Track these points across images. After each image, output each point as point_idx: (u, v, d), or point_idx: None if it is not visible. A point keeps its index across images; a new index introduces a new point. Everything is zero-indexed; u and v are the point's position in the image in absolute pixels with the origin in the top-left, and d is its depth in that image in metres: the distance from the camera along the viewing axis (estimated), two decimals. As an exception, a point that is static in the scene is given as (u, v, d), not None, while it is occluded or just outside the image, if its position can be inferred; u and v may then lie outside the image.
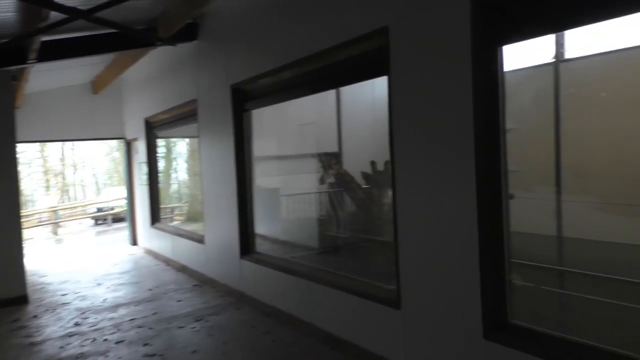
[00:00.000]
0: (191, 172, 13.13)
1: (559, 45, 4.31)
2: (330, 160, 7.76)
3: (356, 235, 7.19)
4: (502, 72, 2.63)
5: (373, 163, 5.64)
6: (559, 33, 4.00)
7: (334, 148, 8.87)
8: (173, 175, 15.38)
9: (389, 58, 3.17)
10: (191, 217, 11.44)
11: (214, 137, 5.72)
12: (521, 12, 2.47)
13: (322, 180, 8.47)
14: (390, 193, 5.65)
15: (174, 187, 15.51)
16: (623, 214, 4.81)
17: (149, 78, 7.83)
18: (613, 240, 4.89)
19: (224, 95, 5.34)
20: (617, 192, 4.97)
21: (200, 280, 6.19)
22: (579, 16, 2.30)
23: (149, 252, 8.51)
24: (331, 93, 7.87)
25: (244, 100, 5.22)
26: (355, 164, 7.43)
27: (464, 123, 2.67)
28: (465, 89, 2.66)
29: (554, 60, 4.32)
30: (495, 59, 2.62)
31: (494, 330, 2.65)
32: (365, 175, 5.65)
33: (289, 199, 8.64)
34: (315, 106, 7.76)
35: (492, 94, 2.62)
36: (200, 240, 6.29)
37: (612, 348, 2.28)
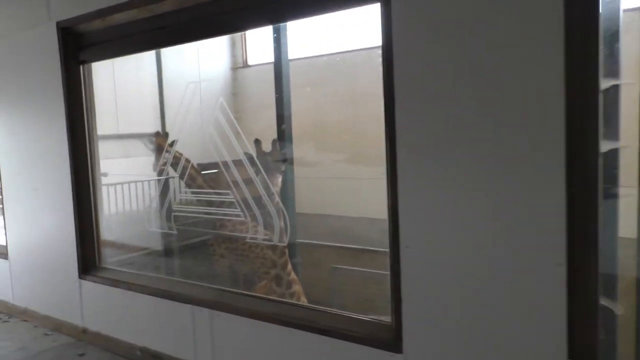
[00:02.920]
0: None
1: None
2: (164, 142, 6.22)
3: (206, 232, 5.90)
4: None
5: (257, 142, 4.38)
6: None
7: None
8: None
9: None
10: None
11: (24, 103, 3.77)
12: None
13: (156, 167, 6.84)
14: (279, 180, 4.44)
15: None
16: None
17: None
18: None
19: (45, 38, 3.45)
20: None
21: (4, 312, 4.15)
22: None
23: None
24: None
25: (79, 47, 3.46)
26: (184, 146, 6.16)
27: (548, 80, 1.72)
28: (554, 27, 1.70)
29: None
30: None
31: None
32: (248, 158, 4.34)
33: (113, 189, 6.83)
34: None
35: (591, 37, 1.72)
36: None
37: None
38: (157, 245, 6.52)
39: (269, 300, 2.78)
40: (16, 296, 4.05)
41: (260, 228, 5.50)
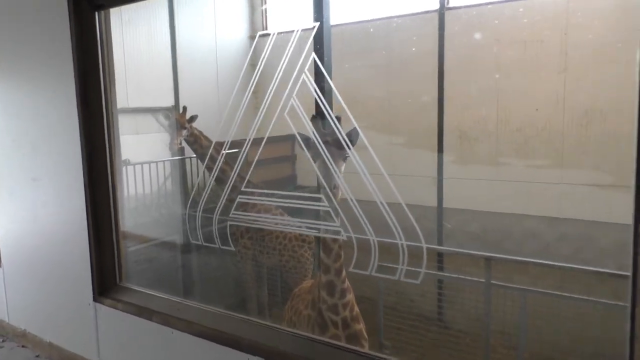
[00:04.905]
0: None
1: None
2: (182, 117, 5.27)
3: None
4: None
5: (315, 119, 3.38)
6: None
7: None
8: None
9: None
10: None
11: (19, 63, 2.80)
12: None
13: (172, 146, 5.90)
14: (342, 168, 3.45)
15: None
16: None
17: None
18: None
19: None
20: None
21: (-4, 332, 3.24)
22: None
23: None
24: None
25: (94, -12, 2.48)
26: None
27: None
28: None
29: None
30: None
31: None
32: (303, 139, 3.33)
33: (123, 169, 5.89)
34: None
35: None
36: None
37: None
38: (175, 233, 5.65)
39: (376, 357, 1.87)
40: (12, 315, 3.13)
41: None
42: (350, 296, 3.95)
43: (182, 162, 6.51)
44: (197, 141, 5.18)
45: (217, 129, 2.76)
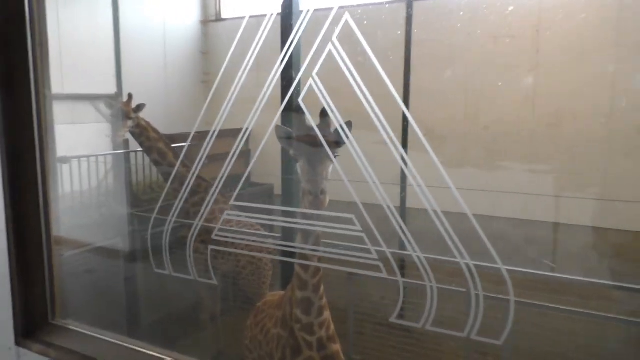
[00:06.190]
0: None
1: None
2: (127, 106, 4.68)
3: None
4: None
5: (324, 114, 2.83)
6: None
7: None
8: None
9: None
10: None
11: None
12: None
13: (115, 138, 5.29)
14: (329, 170, 2.93)
15: None
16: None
17: None
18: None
19: None
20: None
21: None
22: None
23: None
24: None
25: None
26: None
27: None
28: None
29: None
30: None
31: None
32: (282, 133, 2.76)
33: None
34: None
35: None
36: None
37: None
38: (118, 235, 5.04)
39: None
40: None
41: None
42: (327, 314, 3.41)
43: (127, 156, 5.85)
44: (143, 133, 4.57)
45: (196, 119, 2.20)
